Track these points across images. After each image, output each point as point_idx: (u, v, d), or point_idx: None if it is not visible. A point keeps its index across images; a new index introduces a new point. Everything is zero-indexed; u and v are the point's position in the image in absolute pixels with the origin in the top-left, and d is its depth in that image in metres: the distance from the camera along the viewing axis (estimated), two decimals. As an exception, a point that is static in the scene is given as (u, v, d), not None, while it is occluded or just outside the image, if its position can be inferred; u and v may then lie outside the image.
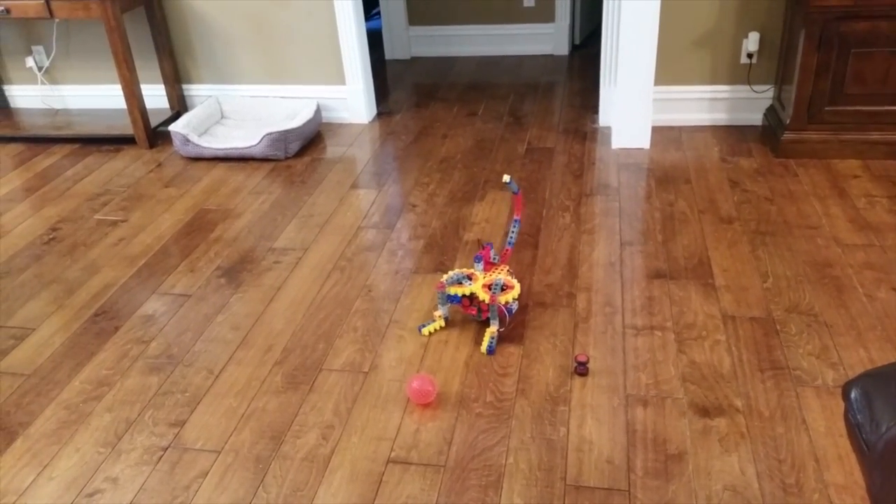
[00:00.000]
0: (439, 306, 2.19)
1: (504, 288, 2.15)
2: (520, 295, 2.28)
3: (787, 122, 3.02)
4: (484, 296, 2.12)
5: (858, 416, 1.08)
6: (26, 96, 4.07)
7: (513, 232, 2.29)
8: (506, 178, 2.13)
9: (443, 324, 2.20)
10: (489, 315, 2.13)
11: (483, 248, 2.29)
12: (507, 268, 2.27)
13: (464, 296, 2.15)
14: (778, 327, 2.11)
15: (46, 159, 3.60)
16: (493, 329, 2.11)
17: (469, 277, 2.21)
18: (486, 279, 2.19)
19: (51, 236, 2.88)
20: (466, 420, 1.86)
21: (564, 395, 1.92)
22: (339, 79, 3.69)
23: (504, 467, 1.72)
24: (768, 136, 3.23)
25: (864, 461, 1.08)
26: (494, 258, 2.29)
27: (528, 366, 2.03)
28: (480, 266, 2.24)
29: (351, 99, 3.71)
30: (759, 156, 3.14)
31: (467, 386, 1.97)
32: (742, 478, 1.65)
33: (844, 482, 1.62)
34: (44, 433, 1.92)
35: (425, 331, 2.17)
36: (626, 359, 2.03)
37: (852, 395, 1.10)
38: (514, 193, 2.21)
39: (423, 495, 1.66)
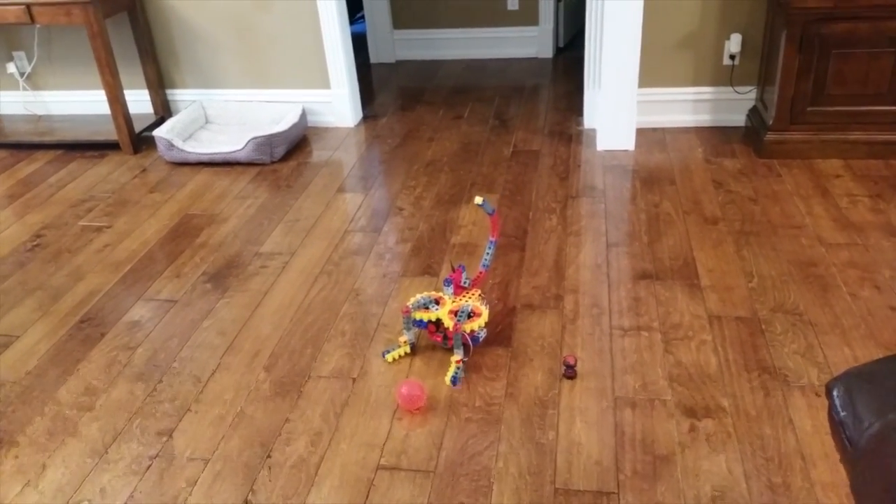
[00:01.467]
0: (404, 331, 2.09)
1: (471, 315, 2.04)
2: (487, 323, 2.15)
3: (770, 122, 3.05)
4: (449, 322, 2.02)
5: (842, 414, 1.10)
6: (8, 102, 4.03)
7: (487, 253, 2.16)
8: (478, 199, 1.98)
9: (408, 350, 2.10)
10: (453, 343, 2.01)
11: (454, 270, 2.16)
12: (479, 292, 2.15)
13: (430, 321, 2.06)
14: (763, 327, 2.13)
15: (29, 166, 3.56)
16: (456, 358, 2.00)
17: (437, 301, 2.10)
18: (454, 304, 2.08)
19: (35, 243, 2.86)
20: (456, 425, 1.87)
21: (553, 399, 1.93)
22: (324, 83, 3.68)
23: (494, 472, 1.72)
24: (751, 137, 3.25)
25: (847, 458, 1.09)
26: (466, 282, 2.15)
27: (517, 369, 2.04)
28: (450, 290, 2.13)
29: (336, 103, 3.71)
30: (742, 156, 3.16)
31: (456, 390, 1.97)
32: (730, 477, 1.66)
33: (831, 480, 1.64)
34: (30, 442, 1.90)
35: (389, 357, 2.08)
36: (614, 360, 2.04)
37: (835, 392, 1.12)
38: (490, 214, 2.07)
39: (413, 501, 1.66)
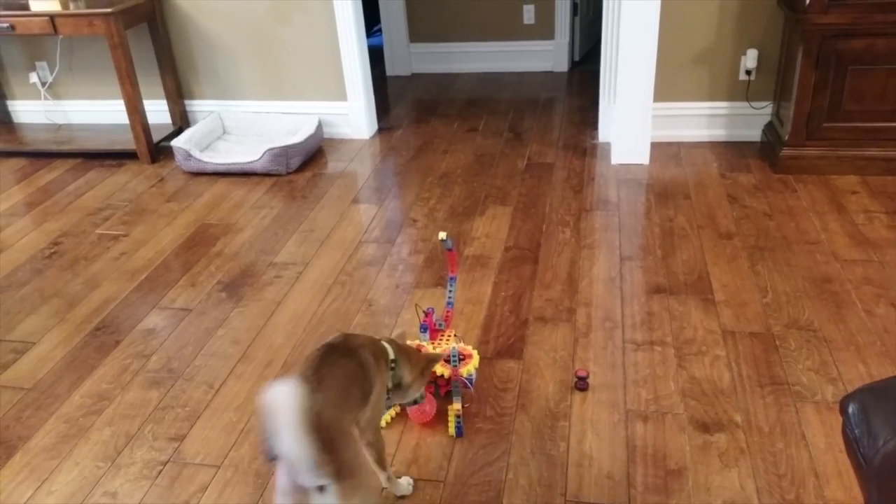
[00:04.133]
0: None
1: (462, 358, 1.94)
2: (478, 365, 2.02)
3: (786, 138, 3.04)
4: (442, 370, 1.92)
5: (856, 431, 1.09)
6: (29, 111, 4.10)
7: (450, 291, 2.05)
8: (442, 235, 1.89)
9: (398, 409, 1.95)
10: (451, 391, 1.89)
11: (425, 314, 2.03)
12: (454, 332, 2.08)
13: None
14: (777, 342, 2.11)
15: (49, 174, 3.61)
16: (456, 407, 1.85)
17: (418, 350, 1.87)
18: (438, 349, 1.98)
19: (52, 250, 2.89)
20: (467, 435, 1.86)
21: (564, 411, 1.92)
22: (341, 95, 3.71)
23: (504, 483, 1.72)
24: (767, 153, 3.24)
25: (861, 475, 1.08)
26: (440, 324, 2.06)
27: (528, 381, 2.03)
28: (426, 336, 2.01)
29: (352, 115, 3.74)
30: (757, 172, 3.15)
31: (467, 400, 1.97)
32: (742, 493, 1.64)
33: (844, 498, 1.62)
34: (43, 447, 1.92)
35: (384, 420, 1.91)
36: (626, 374, 2.03)
37: (850, 409, 1.11)
38: (448, 250, 1.96)
39: (423, 511, 1.66)
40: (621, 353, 2.12)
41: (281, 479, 1.27)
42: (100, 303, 2.53)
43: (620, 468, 1.73)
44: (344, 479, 1.24)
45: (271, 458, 1.23)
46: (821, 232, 2.65)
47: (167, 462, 1.84)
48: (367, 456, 1.43)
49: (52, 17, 3.32)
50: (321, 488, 1.23)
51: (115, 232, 3.01)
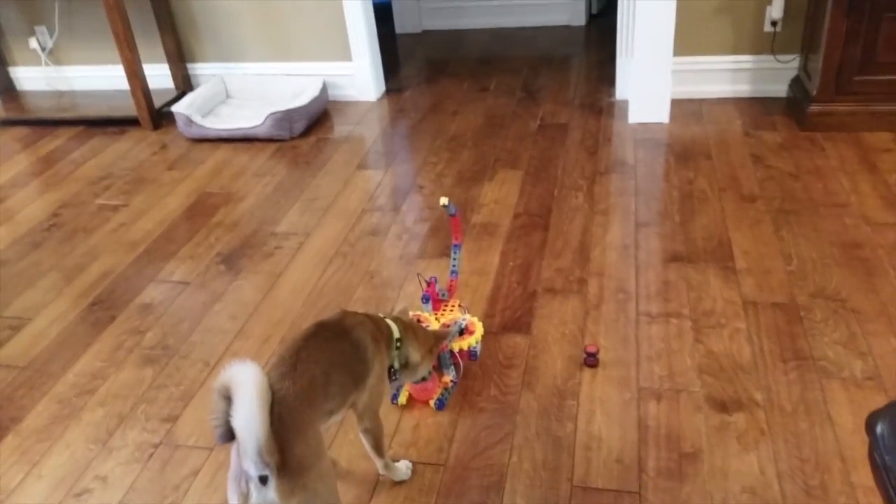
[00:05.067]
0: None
1: (463, 332, 1.86)
2: (483, 335, 1.93)
3: (814, 93, 2.86)
4: (452, 344, 1.84)
5: (886, 458, 0.92)
6: (31, 78, 4.01)
7: (454, 259, 1.95)
8: (443, 200, 1.78)
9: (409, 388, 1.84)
10: (440, 364, 1.83)
11: (428, 284, 1.93)
12: (459, 302, 1.98)
13: None
14: (802, 314, 1.98)
15: (52, 142, 3.54)
16: (447, 379, 1.82)
17: (419, 321, 1.84)
18: (442, 320, 1.90)
19: (52, 222, 2.82)
20: (469, 415, 1.77)
21: (573, 389, 1.82)
22: (346, 55, 3.57)
23: (507, 466, 1.63)
24: (794, 109, 3.06)
25: None
26: (443, 294, 1.96)
27: (535, 357, 1.93)
28: (429, 306, 1.92)
29: (358, 75, 3.60)
30: (783, 129, 2.98)
31: (470, 378, 1.88)
32: (761, 478, 1.54)
33: (873, 484, 1.51)
34: (35, 429, 1.86)
35: (400, 401, 1.84)
36: (640, 349, 1.92)
37: (878, 429, 0.94)
38: (451, 216, 1.86)
39: (421, 497, 1.58)
40: (634, 326, 2.00)
41: (233, 461, 1.19)
42: (97, 276, 2.46)
43: (631, 451, 1.64)
44: (287, 476, 1.15)
45: (221, 441, 1.16)
46: (850, 193, 2.49)
47: (159, 444, 1.78)
48: (329, 460, 1.32)
49: (45, -20, 3.20)
50: (263, 479, 1.15)
51: (114, 202, 2.93)
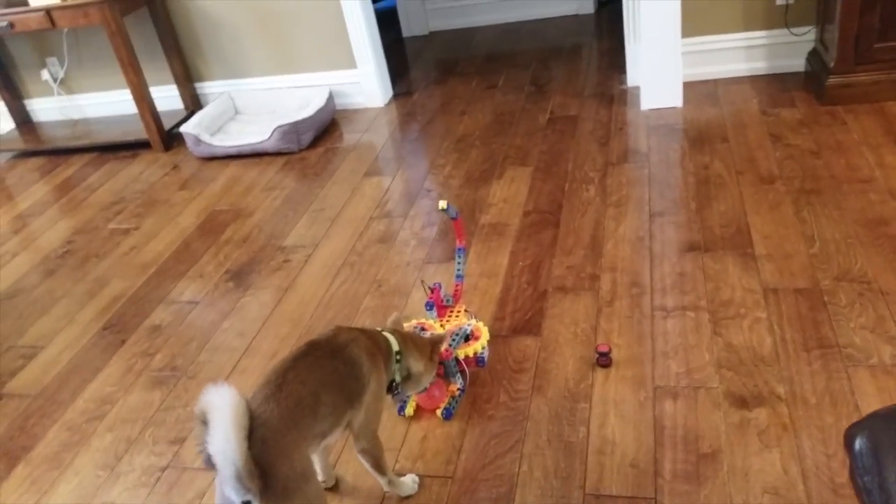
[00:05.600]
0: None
1: (468, 338, 1.80)
2: (489, 342, 1.88)
3: (832, 64, 2.73)
4: (458, 351, 1.78)
5: (865, 479, 0.81)
6: (45, 109, 4.06)
7: (459, 263, 1.89)
8: (442, 203, 1.73)
9: (416, 400, 1.79)
10: (445, 372, 1.76)
11: (431, 290, 1.87)
12: (464, 307, 1.92)
13: None
14: (826, 299, 1.88)
15: (67, 170, 3.57)
16: (454, 388, 1.76)
17: (423, 329, 1.83)
18: (447, 326, 1.83)
19: (65, 249, 2.84)
20: (478, 423, 1.71)
21: (585, 391, 1.75)
22: (350, 62, 3.54)
23: (517, 476, 1.57)
24: (812, 83, 2.93)
25: None
26: (448, 300, 1.90)
27: (546, 359, 1.86)
28: (433, 313, 1.86)
29: (364, 82, 3.56)
30: (802, 105, 2.85)
31: (479, 385, 1.82)
32: (784, 478, 1.45)
33: (906, 478, 1.41)
34: (45, 457, 1.86)
35: (407, 411, 1.78)
36: (655, 345, 1.84)
37: (857, 446, 0.83)
38: (453, 219, 1.81)
39: (429, 512, 1.53)
40: (649, 321, 1.92)
41: (217, 488, 1.15)
42: (108, 301, 2.46)
43: (646, 454, 1.56)
44: (271, 501, 1.11)
45: (208, 465, 1.12)
46: (875, 168, 2.37)
47: (166, 468, 1.76)
48: (318, 484, 1.26)
49: (48, 11, 3.23)
50: None
51: (126, 226, 2.94)
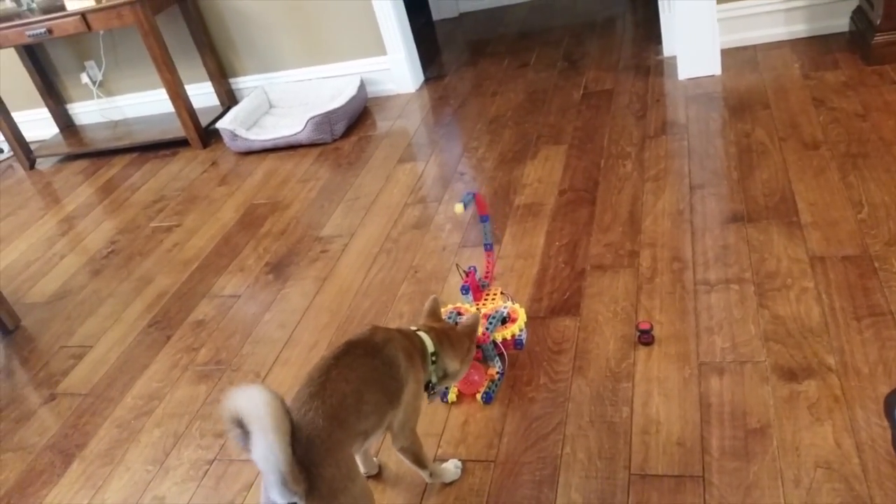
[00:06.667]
0: None
1: (505, 320, 1.79)
2: (526, 323, 1.85)
3: (878, 21, 2.61)
4: (496, 334, 1.77)
5: None
6: (87, 112, 4.15)
7: (486, 232, 1.90)
8: (458, 208, 1.71)
9: (457, 388, 1.77)
10: (484, 356, 1.77)
11: (466, 273, 1.85)
12: (500, 290, 1.90)
13: None
14: (876, 265, 1.80)
15: (109, 171, 3.65)
16: (493, 371, 1.76)
17: (459, 313, 1.82)
18: (483, 310, 1.82)
19: (109, 249, 2.90)
20: (518, 406, 1.70)
21: (627, 370, 1.71)
22: (380, 49, 3.53)
23: (560, 458, 1.55)
24: (857, 43, 2.81)
25: None
26: (483, 283, 1.90)
27: (586, 339, 1.83)
28: (469, 297, 1.85)
29: (394, 69, 3.54)
30: (847, 67, 2.74)
31: (518, 367, 1.80)
32: (838, 451, 1.40)
33: (968, 449, 1.35)
34: (98, 454, 1.91)
35: (450, 400, 1.78)
36: (699, 321, 1.79)
37: None
38: (473, 198, 1.80)
39: (472, 496, 1.52)
40: (692, 297, 1.87)
41: (262, 490, 1.15)
42: (153, 298, 2.51)
43: (693, 432, 1.52)
44: (317, 502, 1.10)
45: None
46: (927, 127, 2.26)
47: (213, 461, 1.78)
48: (364, 482, 1.26)
49: (83, 15, 3.29)
50: None
51: (168, 223, 2.99)
